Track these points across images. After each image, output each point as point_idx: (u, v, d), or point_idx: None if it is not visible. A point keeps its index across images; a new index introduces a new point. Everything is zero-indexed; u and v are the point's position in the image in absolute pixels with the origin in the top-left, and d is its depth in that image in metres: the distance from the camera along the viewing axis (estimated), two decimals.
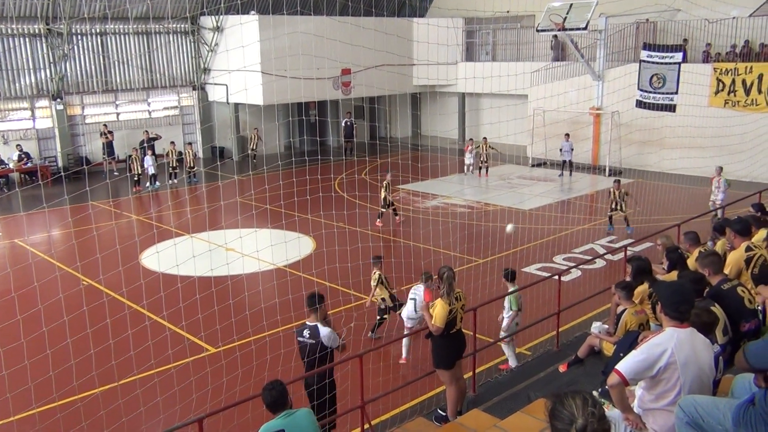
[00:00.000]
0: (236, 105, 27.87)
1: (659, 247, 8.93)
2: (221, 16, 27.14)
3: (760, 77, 21.99)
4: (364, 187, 22.17)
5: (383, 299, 11.29)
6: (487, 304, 10.03)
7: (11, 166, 23.77)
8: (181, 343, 10.77)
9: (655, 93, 20.96)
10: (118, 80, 26.90)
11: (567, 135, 24.45)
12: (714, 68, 22.95)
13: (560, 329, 9.96)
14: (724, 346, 5.57)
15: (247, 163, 26.91)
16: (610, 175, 24.29)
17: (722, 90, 22.82)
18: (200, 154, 28.19)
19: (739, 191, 17.66)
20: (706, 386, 4.39)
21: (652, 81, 21.03)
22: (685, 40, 23.70)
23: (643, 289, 7.58)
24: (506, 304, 9.91)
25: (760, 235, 7.94)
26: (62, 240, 18.04)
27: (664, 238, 9.08)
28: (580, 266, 13.81)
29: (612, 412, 4.50)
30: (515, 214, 19.29)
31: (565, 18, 23.40)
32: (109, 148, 25.72)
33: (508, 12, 28.33)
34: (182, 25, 28.14)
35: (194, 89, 28.83)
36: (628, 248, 12.34)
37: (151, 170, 23.45)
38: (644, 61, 21.22)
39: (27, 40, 24.49)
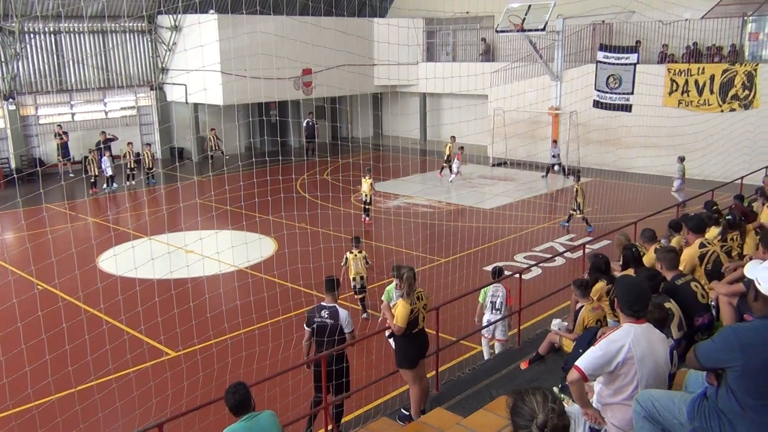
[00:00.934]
0: (195, 105, 27.51)
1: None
2: (179, 15, 26.76)
3: (712, 78, 22.60)
4: (326, 187, 22.11)
5: (354, 278, 11.98)
6: (450, 303, 10.09)
7: None
8: (140, 347, 10.58)
9: (611, 93, 21.35)
10: (72, 80, 26.30)
11: (554, 141, 24.69)
12: (668, 69, 23.50)
13: (521, 327, 10.08)
14: (679, 341, 5.70)
15: (206, 164, 26.58)
16: (567, 174, 24.69)
17: (676, 90, 23.39)
18: (159, 155, 27.75)
19: (693, 189, 18.13)
20: (663, 380, 4.49)
21: (608, 81, 21.43)
22: (638, 42, 24.20)
23: (600, 286, 7.72)
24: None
25: (713, 232, 8.16)
26: (16, 243, 17.56)
27: (621, 236, 9.25)
28: (541, 264, 14.00)
29: (572, 408, 4.58)
30: (476, 214, 19.46)
31: (524, 19, 23.69)
32: (64, 149, 25.11)
33: (467, 13, 28.60)
34: (139, 24, 27.66)
35: (152, 89, 28.37)
36: (587, 246, 12.55)
37: (108, 171, 22.99)
38: (601, 62, 21.60)
39: None
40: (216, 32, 24.51)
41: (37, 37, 25.16)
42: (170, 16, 26.81)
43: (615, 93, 21.27)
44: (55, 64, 25.69)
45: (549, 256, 14.83)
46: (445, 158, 24.37)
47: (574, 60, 25.75)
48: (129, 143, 24.38)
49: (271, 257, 15.58)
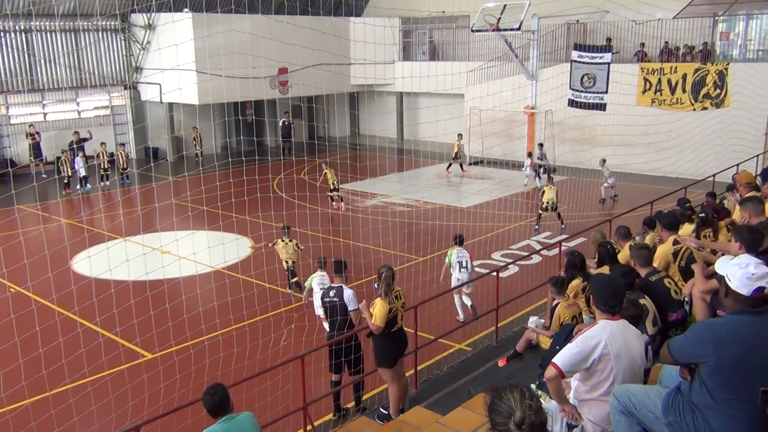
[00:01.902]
0: (170, 104, 27.23)
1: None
2: (153, 14, 26.47)
3: (684, 77, 22.93)
4: (303, 187, 22.04)
5: (285, 261, 12.83)
6: (428, 301, 10.13)
7: None
8: (116, 349, 10.46)
9: (586, 92, 21.57)
10: (44, 79, 25.90)
11: (541, 144, 24.63)
12: (641, 68, 23.80)
13: (499, 324, 10.15)
14: (654, 337, 5.78)
15: (182, 164, 26.35)
16: (544, 172, 24.85)
17: (649, 89, 23.69)
18: (133, 155, 27.42)
19: (666, 187, 18.37)
20: (638, 376, 4.54)
21: (583, 80, 21.65)
22: (609, 39, 24.45)
23: (576, 283, 7.80)
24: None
25: (686, 229, 8.26)
26: None
27: (596, 233, 9.35)
28: (518, 262, 14.10)
29: (549, 404, 4.61)
30: (454, 212, 19.54)
31: (499, 18, 23.83)
32: (36, 149, 24.70)
33: (443, 12, 28.70)
34: (112, 23, 27.32)
35: (126, 88, 28.03)
36: (563, 243, 12.66)
37: (82, 172, 22.67)
38: (575, 61, 21.81)
39: None
40: (191, 31, 24.29)
41: (8, 35, 24.73)
42: (144, 14, 26.52)
43: (589, 92, 21.50)
44: (26, 63, 25.27)
45: (526, 254, 14.94)
46: (454, 155, 24.82)
47: (549, 59, 25.97)
48: (102, 143, 24.08)
49: (248, 257, 15.49)
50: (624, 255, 7.96)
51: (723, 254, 6.14)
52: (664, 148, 23.35)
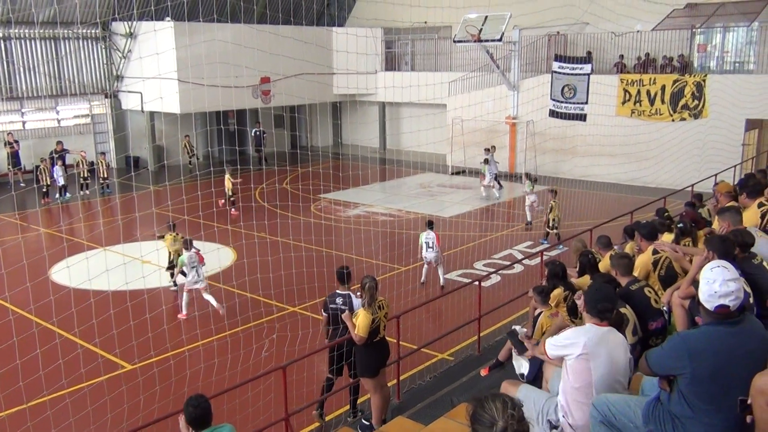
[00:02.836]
0: (152, 113, 27.07)
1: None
2: (134, 22, 26.35)
3: (663, 88, 23.23)
4: (285, 196, 21.99)
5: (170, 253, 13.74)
6: (410, 311, 10.14)
7: None
8: (95, 360, 10.33)
9: (566, 103, 21.75)
10: (23, 87, 25.64)
11: (487, 149, 24.37)
12: (621, 79, 24.07)
13: (481, 334, 10.17)
14: (634, 346, 5.81)
15: (163, 174, 26.18)
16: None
17: (629, 100, 23.96)
18: (114, 164, 27.19)
19: (645, 196, 18.56)
20: (620, 384, 4.57)
21: (563, 91, 21.84)
22: (589, 53, 24.75)
23: (558, 292, 7.83)
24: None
25: (666, 238, 8.34)
26: None
27: (578, 242, 9.40)
28: (500, 272, 14.15)
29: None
30: (436, 222, 19.56)
31: (481, 30, 24.01)
32: (14, 158, 24.42)
33: (425, 23, 28.87)
34: (92, 31, 27.13)
35: (106, 97, 27.82)
36: (545, 253, 12.73)
37: (61, 181, 22.43)
38: (556, 72, 22.00)
39: None
40: (172, 40, 24.19)
41: None
42: (125, 23, 26.38)
43: (570, 102, 21.68)
44: (5, 71, 25.01)
45: (508, 263, 15.00)
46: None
47: (530, 70, 26.18)
48: (82, 152, 23.86)
49: (230, 267, 15.39)
50: (605, 264, 8.02)
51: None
52: (643, 158, 23.61)
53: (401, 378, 8.83)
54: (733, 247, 5.95)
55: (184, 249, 12.50)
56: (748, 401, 3.69)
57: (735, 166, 19.08)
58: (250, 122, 30.25)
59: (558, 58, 22.53)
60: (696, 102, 22.72)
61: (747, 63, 24.24)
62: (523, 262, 14.84)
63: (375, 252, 16.26)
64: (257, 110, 28.94)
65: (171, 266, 14.00)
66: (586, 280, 7.52)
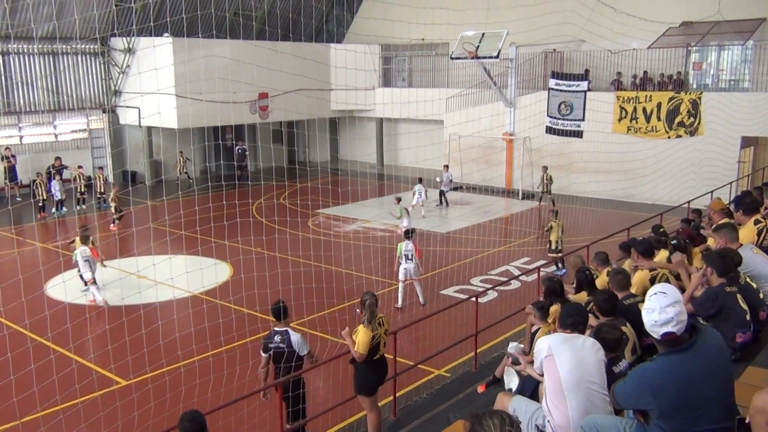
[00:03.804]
0: (149, 128, 27.12)
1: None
2: (133, 38, 26.46)
3: (659, 105, 23.36)
4: (283, 212, 21.99)
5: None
6: (407, 327, 10.10)
7: None
8: (90, 376, 10.26)
9: (563, 120, 21.87)
10: (21, 102, 25.68)
11: (446, 166, 24.58)
12: (617, 96, 24.22)
13: (478, 350, 10.13)
14: (632, 365, 5.80)
15: (160, 188, 26.16)
16: (523, 198, 25.08)
17: (625, 117, 24.09)
18: (111, 179, 27.19)
19: (642, 213, 18.59)
20: (597, 389, 4.62)
21: (560, 108, 21.96)
22: (587, 70, 24.93)
23: (555, 308, 7.80)
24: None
25: (662, 255, 8.35)
26: None
27: (576, 258, 9.40)
28: (497, 288, 14.12)
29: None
30: (433, 237, 19.58)
31: (478, 47, 24.18)
32: (11, 172, 24.40)
33: (423, 39, 29.06)
34: (91, 46, 27.24)
35: (104, 112, 27.88)
36: (542, 269, 12.73)
37: (58, 195, 22.42)
38: (552, 89, 22.14)
39: None
40: (171, 55, 24.27)
41: None
42: (124, 38, 26.50)
43: (567, 119, 21.80)
44: (3, 85, 25.07)
45: (505, 279, 14.98)
46: (544, 188, 22.82)
47: (527, 87, 26.33)
48: (79, 167, 23.87)
49: (226, 282, 15.35)
50: (602, 281, 8.01)
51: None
52: (640, 175, 23.70)
53: (397, 394, 8.78)
54: (732, 263, 5.96)
55: (81, 243, 13.40)
56: (747, 420, 3.66)
57: (731, 183, 19.16)
58: (249, 138, 30.30)
59: (555, 75, 22.68)
60: (692, 119, 22.85)
61: (742, 81, 24.43)
62: (520, 278, 14.82)
63: (373, 267, 16.22)
64: (255, 126, 29.02)
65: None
66: (583, 296, 7.51)
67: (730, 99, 22.30)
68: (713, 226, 8.51)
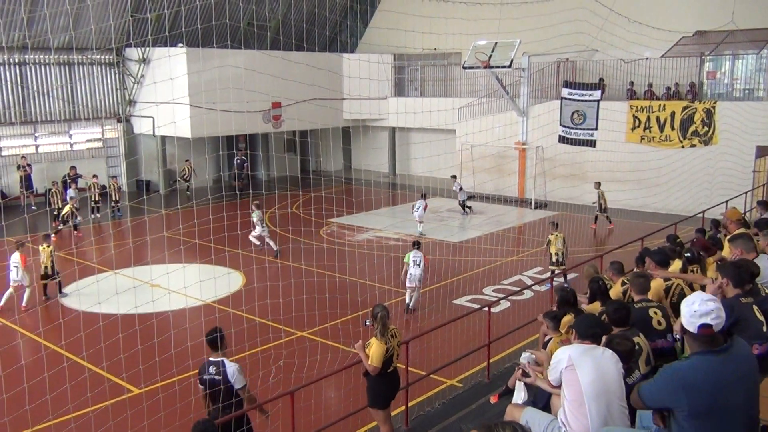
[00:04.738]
0: (163, 138, 27.33)
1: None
2: (148, 48, 26.71)
3: (673, 114, 23.23)
4: (296, 221, 22.04)
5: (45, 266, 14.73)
6: (419, 337, 10.07)
7: None
8: (102, 384, 10.30)
9: (576, 129, 21.78)
10: (37, 111, 25.97)
11: (454, 176, 24.42)
12: (630, 106, 24.11)
13: (491, 360, 10.07)
14: (645, 375, 5.74)
15: (174, 197, 26.33)
16: (536, 208, 25.00)
17: (638, 126, 23.97)
18: (125, 188, 27.40)
19: (655, 223, 18.46)
20: (619, 406, 4.58)
21: (573, 117, 21.88)
22: (601, 79, 24.86)
23: (568, 319, 7.75)
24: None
25: (676, 265, 8.28)
26: None
27: (590, 267, 9.34)
28: (509, 297, 14.05)
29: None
30: (445, 247, 19.53)
31: (490, 56, 24.18)
32: (27, 181, 24.65)
33: (435, 49, 29.10)
34: (106, 57, 27.52)
35: (119, 121, 28.14)
36: (555, 279, 12.65)
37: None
38: (565, 98, 22.06)
39: None
40: (185, 65, 24.49)
41: (1, 68, 24.86)
42: (139, 48, 26.76)
43: (579, 129, 21.70)
44: (20, 95, 25.37)
45: (517, 289, 14.91)
46: (601, 207, 21.44)
47: (540, 96, 26.29)
48: (94, 176, 24.05)
49: (239, 291, 15.38)
50: (616, 291, 7.95)
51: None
52: (653, 185, 23.55)
53: (409, 405, 8.74)
54: (748, 274, 5.90)
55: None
56: None
57: (746, 193, 18.99)
58: (262, 147, 30.43)
59: (567, 84, 22.63)
60: (706, 128, 22.69)
61: (757, 90, 24.27)
62: (533, 288, 14.74)
63: (386, 277, 16.20)
64: (269, 135, 29.14)
65: (52, 276, 14.85)
66: (597, 306, 7.45)
67: (745, 108, 22.14)
68: (728, 237, 8.43)
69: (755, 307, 5.92)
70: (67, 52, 26.35)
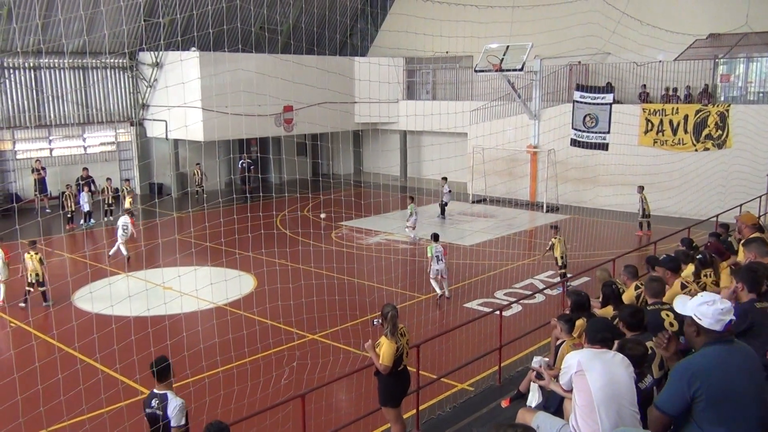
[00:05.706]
0: (176, 141, 27.49)
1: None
2: (161, 52, 26.90)
3: (686, 118, 23.10)
4: (307, 224, 22.09)
5: (30, 275, 14.45)
6: (430, 340, 10.06)
7: None
8: (115, 386, 10.36)
9: (588, 132, 21.71)
10: (51, 115, 26.20)
11: (445, 178, 24.28)
12: (643, 109, 23.99)
13: (502, 364, 10.05)
14: (659, 380, 5.71)
15: (186, 200, 26.46)
16: (547, 211, 24.93)
17: (651, 130, 23.84)
18: (138, 191, 27.58)
19: (669, 227, 18.36)
20: (629, 411, 4.56)
21: (585, 121, 21.81)
22: (609, 83, 24.74)
23: (581, 323, 7.72)
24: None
25: (688, 270, 8.24)
26: None
27: (603, 271, 9.30)
28: (521, 301, 14.01)
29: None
30: (456, 250, 19.51)
31: (502, 59, 24.15)
32: (41, 184, 24.86)
33: (447, 52, 29.09)
34: (120, 61, 27.74)
35: (132, 125, 28.33)
36: (568, 283, 12.61)
37: (86, 207, 22.77)
38: (577, 101, 22.00)
39: None
40: (197, 69, 24.64)
41: (17, 72, 25.12)
42: (152, 52, 26.95)
43: (592, 132, 21.63)
44: (34, 99, 25.61)
45: (529, 293, 14.86)
46: (644, 213, 20.93)
47: (552, 99, 26.21)
48: (108, 179, 24.23)
49: (250, 294, 15.44)
50: (629, 295, 7.92)
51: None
52: (666, 188, 23.40)
53: (421, 408, 8.74)
54: (762, 278, 5.86)
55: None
56: None
57: (760, 197, 18.83)
58: (273, 150, 30.54)
59: (579, 87, 22.55)
60: (719, 132, 22.54)
61: None
62: (545, 291, 14.70)
63: (395, 279, 16.21)
64: (280, 138, 29.23)
65: (40, 284, 14.70)
66: (610, 310, 7.43)
67: (759, 111, 21.98)
68: (742, 241, 8.37)
69: None
70: (81, 57, 26.57)
